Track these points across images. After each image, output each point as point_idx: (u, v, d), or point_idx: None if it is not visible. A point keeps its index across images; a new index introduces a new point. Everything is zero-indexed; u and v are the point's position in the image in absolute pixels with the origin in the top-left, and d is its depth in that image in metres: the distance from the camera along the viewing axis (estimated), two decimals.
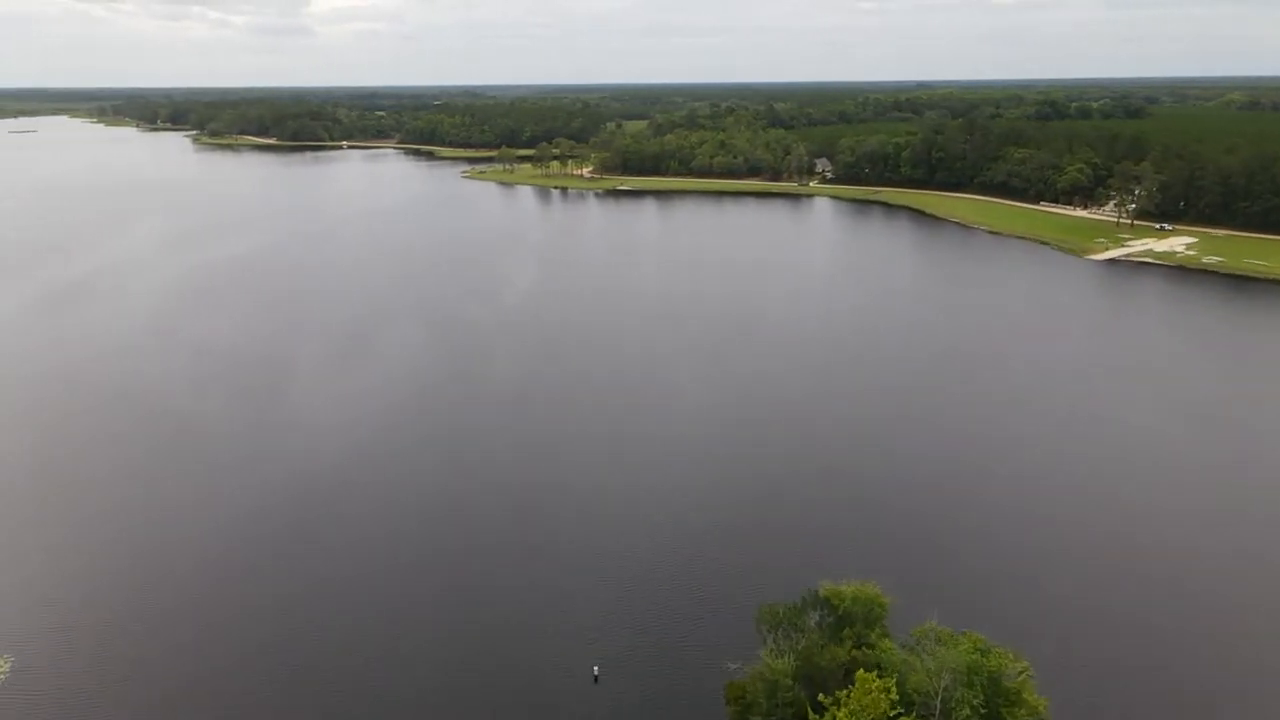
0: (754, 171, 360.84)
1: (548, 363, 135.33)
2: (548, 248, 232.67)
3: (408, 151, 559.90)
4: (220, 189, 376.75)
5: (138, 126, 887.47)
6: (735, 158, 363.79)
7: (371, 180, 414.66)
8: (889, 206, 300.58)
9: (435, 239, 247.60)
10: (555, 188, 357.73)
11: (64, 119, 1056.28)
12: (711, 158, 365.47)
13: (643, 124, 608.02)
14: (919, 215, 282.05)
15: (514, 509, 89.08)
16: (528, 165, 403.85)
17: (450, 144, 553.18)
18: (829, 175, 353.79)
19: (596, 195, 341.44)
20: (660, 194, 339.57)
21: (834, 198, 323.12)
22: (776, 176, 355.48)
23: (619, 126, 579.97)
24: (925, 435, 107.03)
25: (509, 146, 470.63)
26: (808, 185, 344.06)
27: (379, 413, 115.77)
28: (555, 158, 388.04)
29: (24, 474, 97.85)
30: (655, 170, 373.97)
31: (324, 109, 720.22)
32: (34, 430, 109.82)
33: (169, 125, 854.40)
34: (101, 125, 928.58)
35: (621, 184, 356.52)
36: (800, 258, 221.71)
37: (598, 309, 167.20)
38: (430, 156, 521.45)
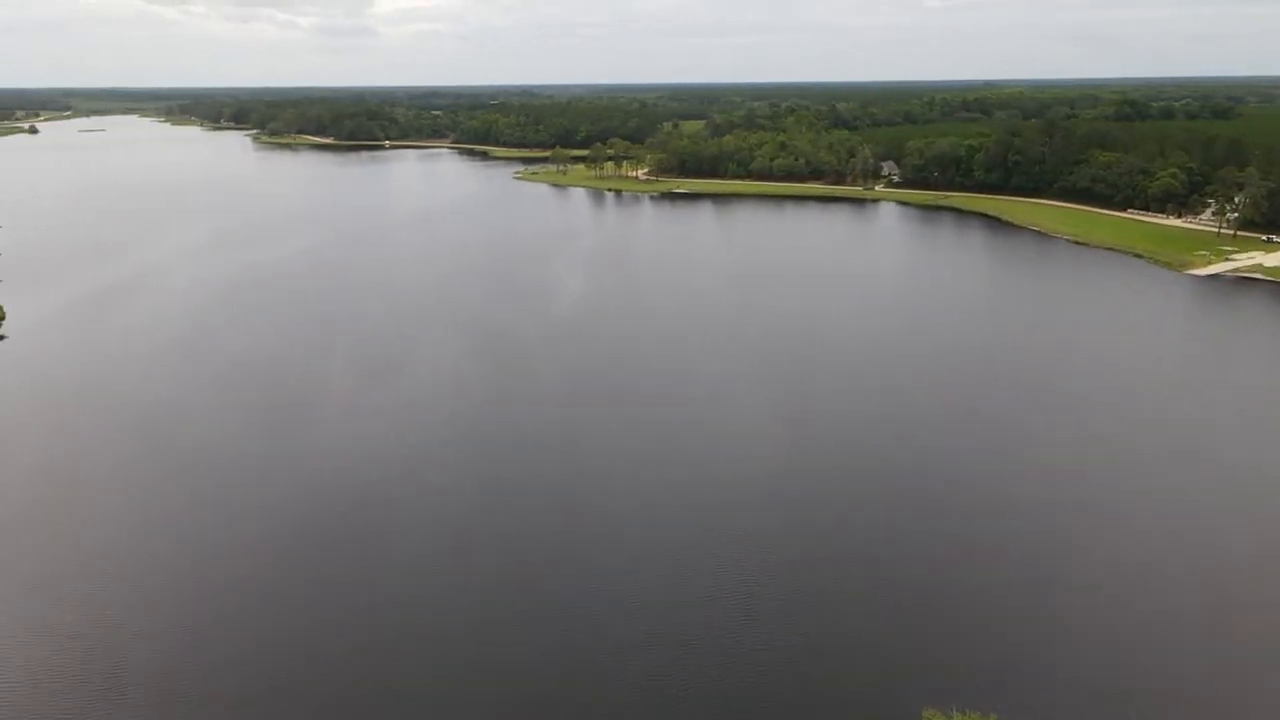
0: (816, 174, 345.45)
1: (594, 379, 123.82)
2: (599, 254, 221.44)
3: (462, 151, 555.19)
4: (273, 188, 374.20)
5: (202, 126, 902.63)
6: (796, 160, 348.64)
7: (423, 180, 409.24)
8: (960, 212, 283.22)
9: (483, 244, 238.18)
10: (609, 190, 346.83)
11: (134, 118, 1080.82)
12: (771, 160, 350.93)
13: (700, 124, 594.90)
14: (993, 222, 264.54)
15: (556, 535, 77.64)
16: (581, 166, 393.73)
17: (504, 144, 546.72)
18: (895, 179, 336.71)
19: (651, 198, 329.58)
20: (717, 197, 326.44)
21: (901, 203, 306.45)
22: (840, 180, 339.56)
23: (675, 127, 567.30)
24: (1026, 483, 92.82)
25: (563, 147, 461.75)
26: (873, 189, 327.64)
27: (417, 427, 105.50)
28: (610, 158, 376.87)
29: (54, 482, 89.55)
30: (713, 172, 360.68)
31: (381, 109, 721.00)
32: (62, 441, 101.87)
33: (232, 124, 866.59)
34: (168, 124, 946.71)
35: (677, 186, 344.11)
36: (867, 268, 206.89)
37: (650, 322, 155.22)
38: (484, 157, 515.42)
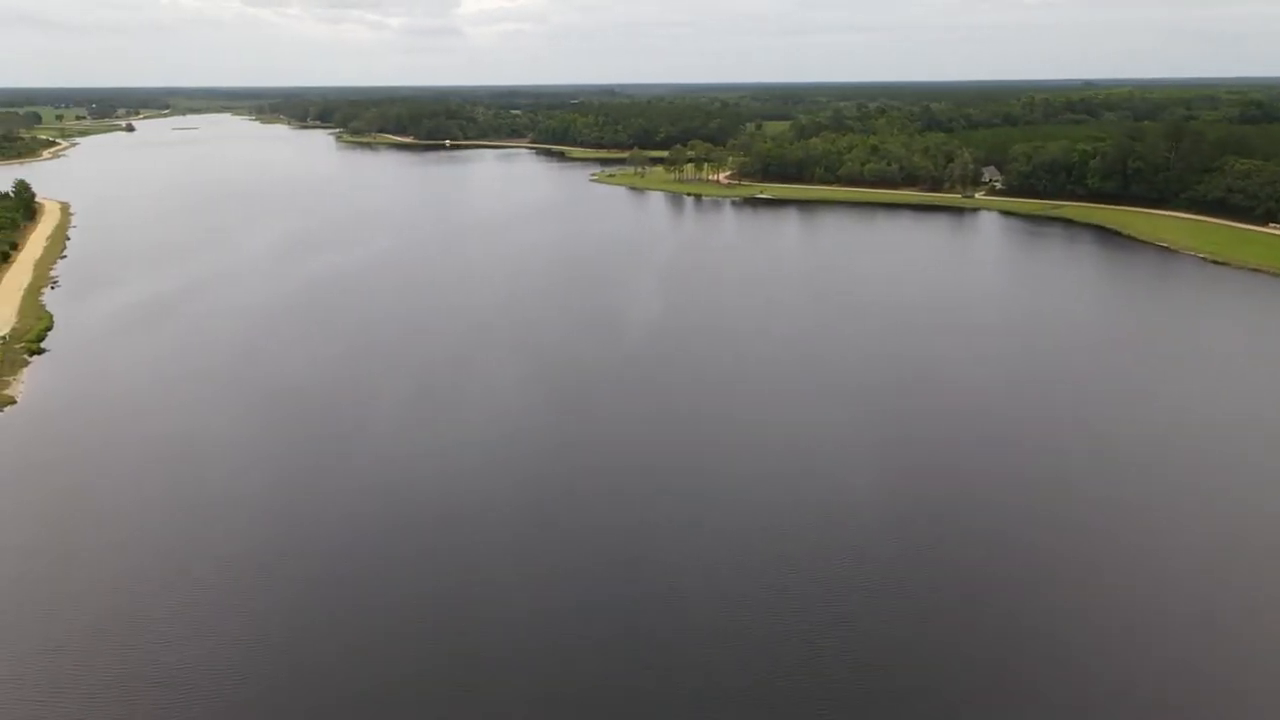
0: (910, 180, 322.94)
1: (666, 412, 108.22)
2: (676, 267, 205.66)
3: (539, 151, 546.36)
4: (348, 188, 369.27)
5: (289, 124, 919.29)
6: (889, 164, 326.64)
7: (498, 181, 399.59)
8: (1072, 224, 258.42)
9: (555, 254, 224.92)
10: (688, 194, 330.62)
11: (227, 116, 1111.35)
12: (862, 164, 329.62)
13: (784, 125, 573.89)
14: (1111, 236, 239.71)
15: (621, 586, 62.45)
16: (660, 168, 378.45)
17: (582, 144, 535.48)
18: (998, 186, 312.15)
19: (733, 203, 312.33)
20: (803, 204, 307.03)
21: (1005, 212, 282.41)
22: (936, 186, 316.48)
23: (759, 128, 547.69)
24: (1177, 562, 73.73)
25: (641, 148, 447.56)
26: (973, 197, 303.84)
27: (473, 465, 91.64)
28: (690, 160, 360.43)
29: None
30: (798, 177, 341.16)
31: (461, 108, 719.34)
32: (81, 468, 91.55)
33: (317, 123, 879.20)
34: (257, 123, 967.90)
35: (760, 191, 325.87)
36: (971, 289, 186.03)
37: (728, 347, 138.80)
38: (561, 157, 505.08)
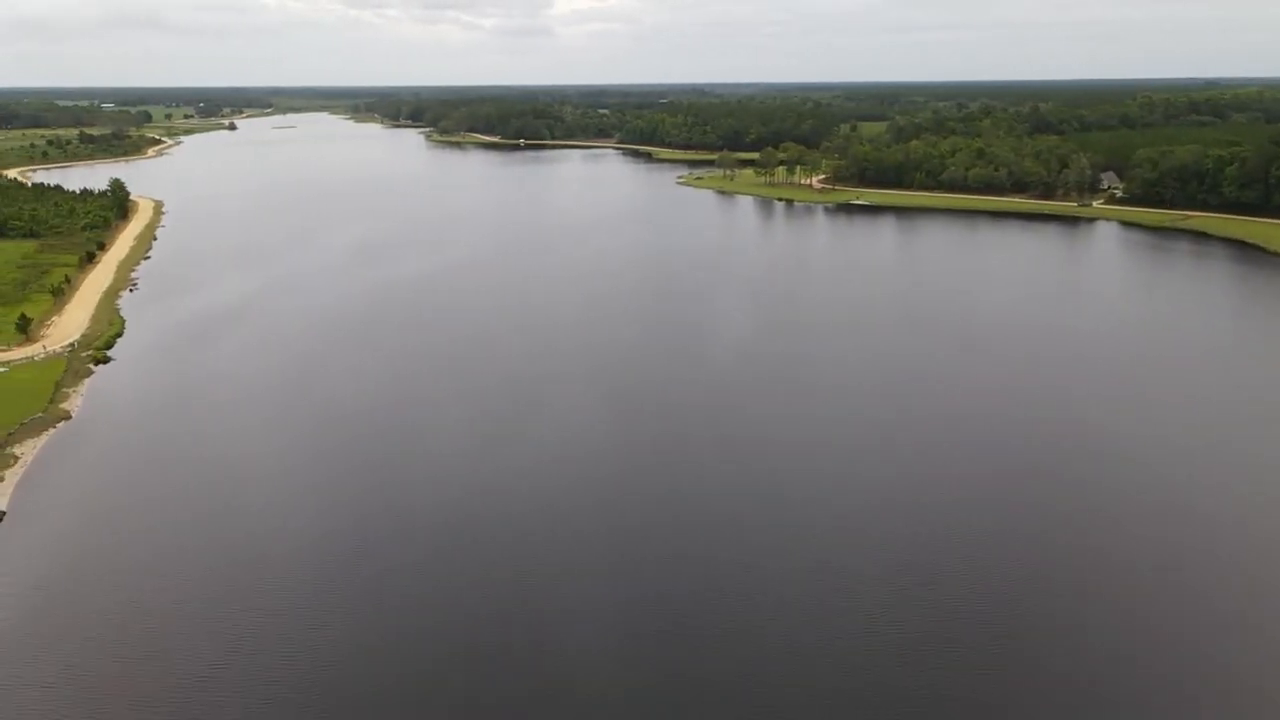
0: (1019, 187, 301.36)
1: (758, 453, 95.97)
2: (766, 280, 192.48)
3: (626, 152, 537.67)
4: (434, 188, 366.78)
5: (382, 123, 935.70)
6: (996, 169, 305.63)
7: (583, 183, 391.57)
8: (1204, 237, 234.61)
9: (637, 260, 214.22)
10: (779, 199, 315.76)
11: (324, 115, 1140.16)
12: (967, 169, 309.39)
13: (880, 126, 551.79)
14: (1250, 251, 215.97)
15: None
16: (750, 171, 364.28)
17: (670, 145, 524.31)
18: (1118, 194, 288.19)
19: (826, 210, 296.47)
20: (902, 211, 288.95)
21: (1125, 223, 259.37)
22: (1049, 193, 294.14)
23: (853, 129, 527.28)
24: None
25: (731, 149, 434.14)
26: (1090, 205, 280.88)
27: (548, 495, 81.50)
28: (781, 164, 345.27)
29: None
30: (897, 182, 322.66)
31: (548, 108, 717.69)
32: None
33: (409, 122, 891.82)
34: (352, 122, 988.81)
35: (856, 197, 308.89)
36: (1101, 313, 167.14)
37: (823, 378, 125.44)
38: (648, 158, 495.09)
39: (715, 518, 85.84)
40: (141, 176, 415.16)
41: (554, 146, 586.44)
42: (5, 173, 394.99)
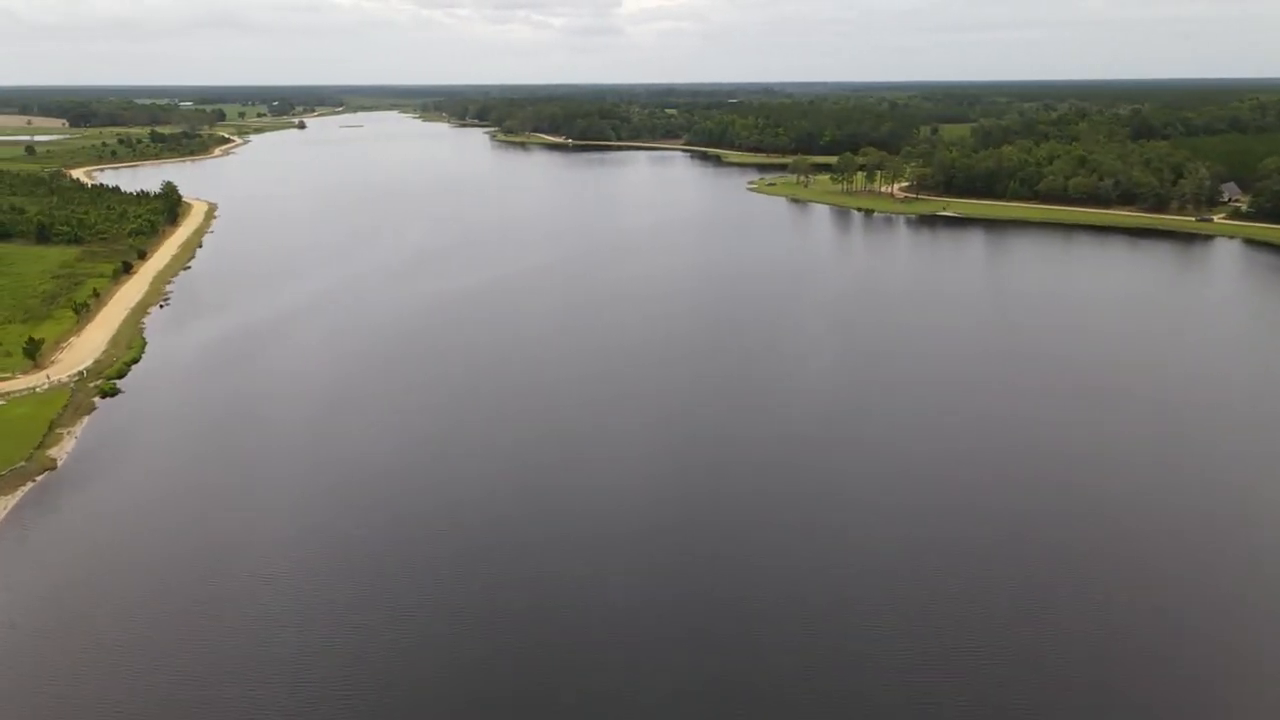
0: (1125, 198, 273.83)
1: (838, 524, 77.10)
2: (846, 306, 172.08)
3: (693, 154, 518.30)
4: (495, 192, 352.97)
5: (449, 122, 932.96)
6: (1101, 179, 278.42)
7: (647, 188, 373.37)
8: None
9: (704, 281, 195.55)
10: (858, 209, 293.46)
11: (393, 114, 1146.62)
12: (1067, 178, 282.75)
13: (962, 129, 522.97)
14: None
15: None
16: (825, 177, 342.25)
17: (739, 147, 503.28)
18: (1242, 208, 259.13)
19: (909, 221, 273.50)
20: (993, 224, 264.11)
21: (1252, 241, 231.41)
22: (1160, 206, 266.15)
23: (934, 132, 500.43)
24: None
25: (804, 153, 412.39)
26: (1210, 221, 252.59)
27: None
28: (862, 169, 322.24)
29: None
30: (988, 191, 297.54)
31: (615, 108, 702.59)
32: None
33: (475, 121, 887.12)
34: (419, 120, 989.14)
35: (943, 208, 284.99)
36: (1237, 358, 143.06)
37: (912, 433, 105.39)
38: (717, 161, 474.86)
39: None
40: (203, 176, 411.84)
41: (618, 147, 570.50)
42: (71, 172, 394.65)
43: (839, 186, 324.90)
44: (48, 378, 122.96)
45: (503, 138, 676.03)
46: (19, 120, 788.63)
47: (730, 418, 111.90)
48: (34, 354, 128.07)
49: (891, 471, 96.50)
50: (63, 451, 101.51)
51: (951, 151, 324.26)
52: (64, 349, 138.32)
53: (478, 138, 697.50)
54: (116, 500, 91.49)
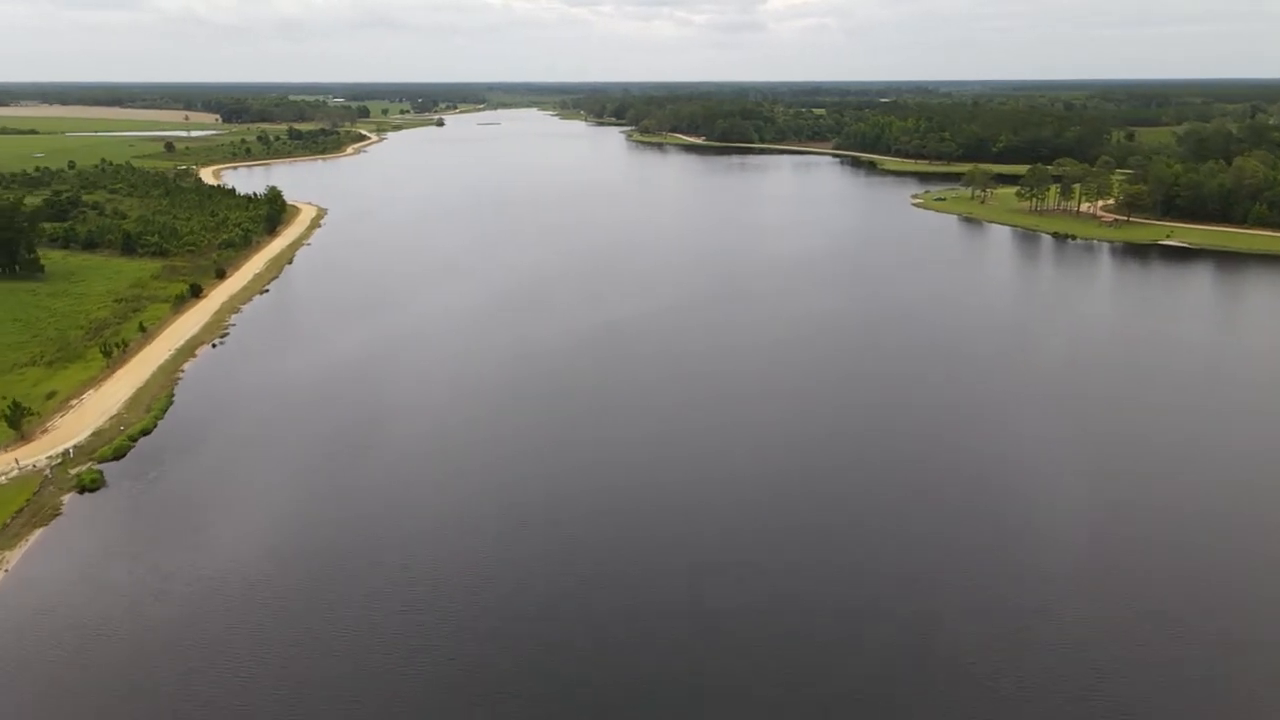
0: None
1: None
2: (1082, 385, 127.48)
3: (843, 160, 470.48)
4: (623, 202, 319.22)
5: (586, 120, 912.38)
6: None
7: (797, 201, 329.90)
8: None
9: (870, 332, 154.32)
10: (1053, 233, 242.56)
11: (533, 111, 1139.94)
12: None
13: (1160, 133, 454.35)
14: None
15: None
16: (1008, 191, 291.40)
17: (897, 153, 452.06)
18: None
19: (1122, 251, 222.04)
20: (1235, 260, 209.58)
21: None
22: None
23: (1130, 138, 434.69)
24: None
25: (973, 160, 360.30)
26: None
27: None
28: (1057, 181, 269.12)
29: None
30: (1222, 215, 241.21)
31: (757, 108, 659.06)
32: None
33: (612, 120, 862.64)
34: (558, 118, 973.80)
35: (1168, 235, 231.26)
36: None
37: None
38: (870, 168, 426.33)
39: None
40: (327, 177, 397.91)
41: (761, 150, 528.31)
42: (200, 170, 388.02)
43: (1026, 204, 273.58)
44: (16, 462, 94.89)
45: (638, 138, 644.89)
46: (178, 116, 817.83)
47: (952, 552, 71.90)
48: (17, 422, 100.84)
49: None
50: None
51: (1173, 165, 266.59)
52: (71, 407, 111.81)
53: (613, 137, 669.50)
54: (38, 663, 60.69)
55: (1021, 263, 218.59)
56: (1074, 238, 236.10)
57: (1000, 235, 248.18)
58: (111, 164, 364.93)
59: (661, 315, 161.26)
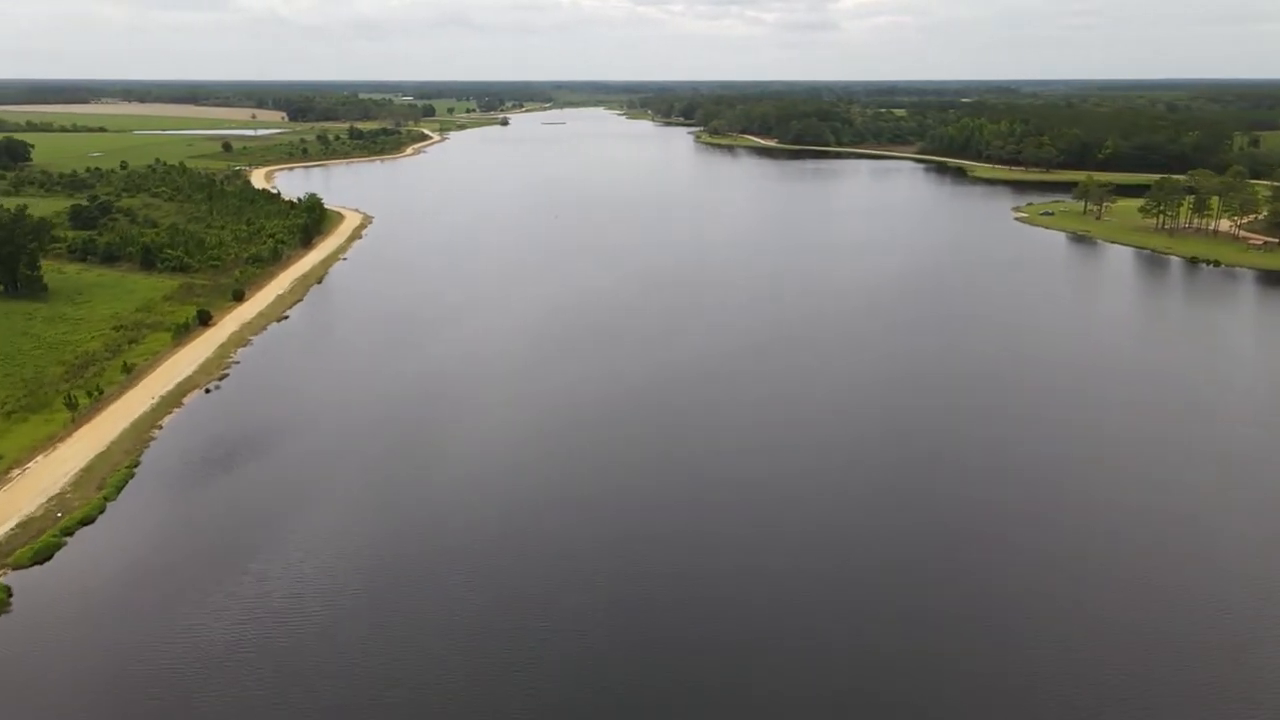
0: None
1: None
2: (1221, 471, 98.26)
3: (927, 165, 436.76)
4: (690, 214, 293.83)
5: (653, 120, 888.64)
6: None
7: (885, 214, 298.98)
8: None
9: (967, 383, 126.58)
10: (1191, 258, 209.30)
11: (600, 110, 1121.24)
12: None
13: None
14: None
15: None
16: (1130, 204, 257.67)
17: (989, 158, 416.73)
18: None
19: (1261, 280, 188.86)
20: None
21: None
22: None
23: (1254, 143, 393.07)
24: None
25: (1077, 168, 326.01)
26: None
27: None
28: (1190, 193, 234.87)
29: None
30: None
31: (833, 109, 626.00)
32: None
33: (680, 119, 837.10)
34: (624, 118, 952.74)
35: None
36: None
37: None
38: (958, 175, 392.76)
39: None
40: (381, 179, 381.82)
41: (836, 154, 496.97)
42: (253, 172, 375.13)
43: (1151, 221, 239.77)
44: None
45: (707, 139, 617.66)
46: (246, 114, 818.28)
47: None
48: None
49: None
50: None
51: None
52: (11, 480, 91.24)
53: (680, 139, 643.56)
54: None
55: (1167, 295, 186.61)
56: (1217, 263, 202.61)
57: (1123, 259, 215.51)
58: (164, 164, 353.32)
59: (738, 358, 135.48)
